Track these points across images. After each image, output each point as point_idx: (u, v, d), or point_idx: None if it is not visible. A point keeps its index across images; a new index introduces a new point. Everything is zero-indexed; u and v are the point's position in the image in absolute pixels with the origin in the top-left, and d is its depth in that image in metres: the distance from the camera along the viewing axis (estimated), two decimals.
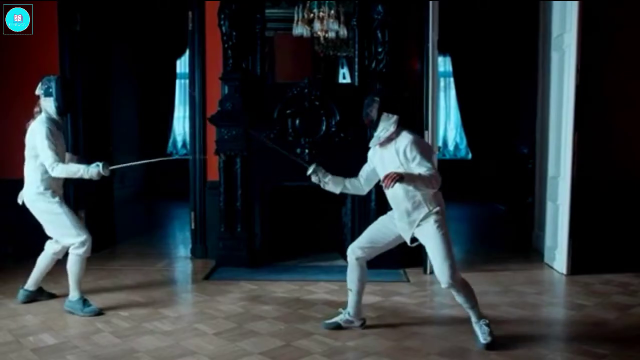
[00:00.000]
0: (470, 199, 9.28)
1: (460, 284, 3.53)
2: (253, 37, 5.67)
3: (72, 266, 4.20)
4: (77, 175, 4.10)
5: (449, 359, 3.41)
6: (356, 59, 5.70)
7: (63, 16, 6.00)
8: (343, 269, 5.46)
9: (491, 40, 8.75)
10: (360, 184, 3.87)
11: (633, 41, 5.69)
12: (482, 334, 3.56)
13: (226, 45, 5.56)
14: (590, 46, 5.27)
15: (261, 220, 5.70)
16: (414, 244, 3.66)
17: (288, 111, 5.50)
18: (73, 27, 6.04)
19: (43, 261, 4.39)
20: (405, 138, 3.52)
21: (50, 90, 4.08)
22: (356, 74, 5.71)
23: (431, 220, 3.53)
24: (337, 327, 3.90)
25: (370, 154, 3.81)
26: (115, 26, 6.74)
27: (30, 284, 4.44)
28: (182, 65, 10.05)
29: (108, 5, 6.49)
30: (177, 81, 10.49)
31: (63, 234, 4.20)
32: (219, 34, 5.57)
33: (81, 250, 4.15)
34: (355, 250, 3.80)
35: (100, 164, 4.06)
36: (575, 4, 5.03)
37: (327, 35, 5.97)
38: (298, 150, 5.44)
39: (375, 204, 5.43)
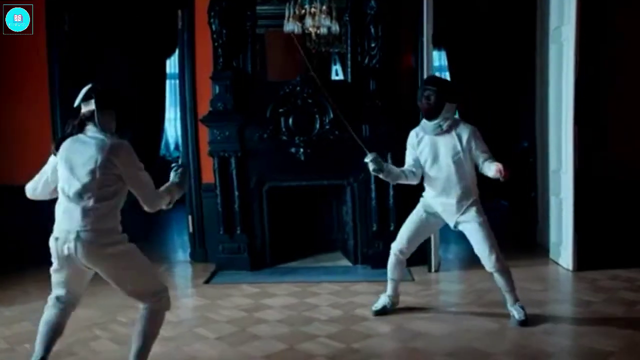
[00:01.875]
0: None
1: (504, 269, 3.80)
2: (244, 35, 5.56)
3: (153, 326, 2.95)
4: (172, 195, 3.11)
5: (457, 359, 3.35)
6: (349, 55, 5.61)
7: (51, 17, 5.89)
8: (346, 270, 5.48)
9: (488, 33, 8.63)
10: (413, 173, 3.95)
11: (632, 33, 5.63)
12: (517, 312, 3.80)
13: (216, 44, 5.45)
14: (589, 39, 5.21)
15: (260, 221, 5.60)
16: (456, 229, 3.89)
17: (281, 110, 5.39)
18: (61, 28, 5.95)
19: (55, 323, 2.92)
20: (466, 127, 3.77)
21: (114, 102, 3.08)
22: (349, 70, 5.62)
23: (473, 209, 3.79)
24: (384, 311, 4.09)
25: (412, 141, 3.93)
26: (105, 26, 6.62)
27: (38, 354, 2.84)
28: (172, 65, 9.92)
29: (97, 6, 6.37)
30: (167, 81, 10.35)
31: (148, 283, 3.03)
32: (209, 32, 5.46)
33: (166, 304, 3.04)
34: (401, 250, 4.01)
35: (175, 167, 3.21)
36: None
37: (319, 31, 5.86)
38: (293, 150, 5.37)
39: (375, 202, 5.39)
